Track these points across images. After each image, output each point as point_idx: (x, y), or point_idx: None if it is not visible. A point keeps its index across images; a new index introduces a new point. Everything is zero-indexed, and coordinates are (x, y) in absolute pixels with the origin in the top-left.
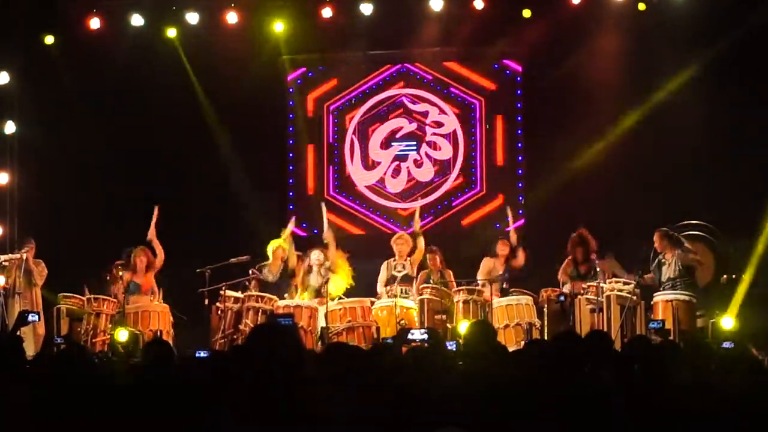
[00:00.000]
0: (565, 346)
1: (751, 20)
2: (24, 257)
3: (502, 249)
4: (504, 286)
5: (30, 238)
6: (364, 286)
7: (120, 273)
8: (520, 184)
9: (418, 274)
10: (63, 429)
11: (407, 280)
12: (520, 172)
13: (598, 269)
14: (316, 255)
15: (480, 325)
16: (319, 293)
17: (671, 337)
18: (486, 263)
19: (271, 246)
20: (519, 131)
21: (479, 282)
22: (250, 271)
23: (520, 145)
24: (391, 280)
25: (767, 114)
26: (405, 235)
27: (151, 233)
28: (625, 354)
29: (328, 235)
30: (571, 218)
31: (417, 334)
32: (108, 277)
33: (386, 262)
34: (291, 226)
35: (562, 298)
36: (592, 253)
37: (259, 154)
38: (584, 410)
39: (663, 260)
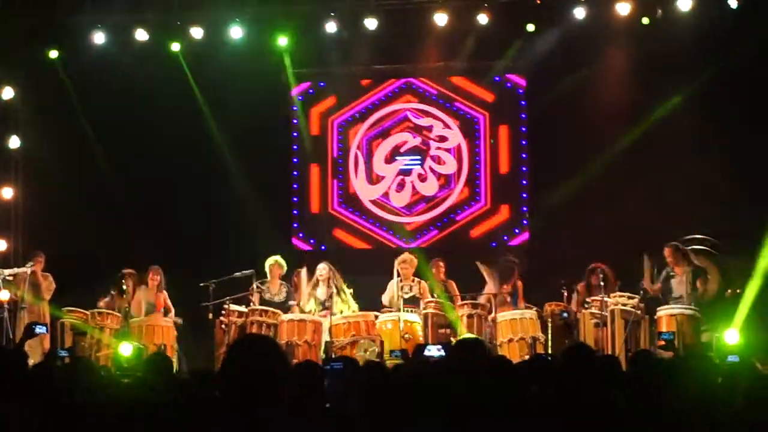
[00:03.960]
0: (578, 361)
1: (756, 36)
2: (30, 271)
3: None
4: (508, 300)
5: (39, 252)
6: (368, 300)
7: (126, 287)
8: (524, 195)
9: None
10: None
11: (413, 301)
12: (524, 182)
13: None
14: (321, 268)
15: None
16: (324, 306)
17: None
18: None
19: (268, 263)
20: (523, 142)
21: (482, 296)
22: (254, 285)
23: (524, 156)
24: (395, 300)
25: None
26: (409, 257)
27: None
28: (630, 371)
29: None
30: (575, 232)
31: (433, 350)
32: (114, 292)
33: (393, 281)
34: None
35: (565, 314)
36: (611, 291)
37: (263, 169)
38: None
39: (672, 274)
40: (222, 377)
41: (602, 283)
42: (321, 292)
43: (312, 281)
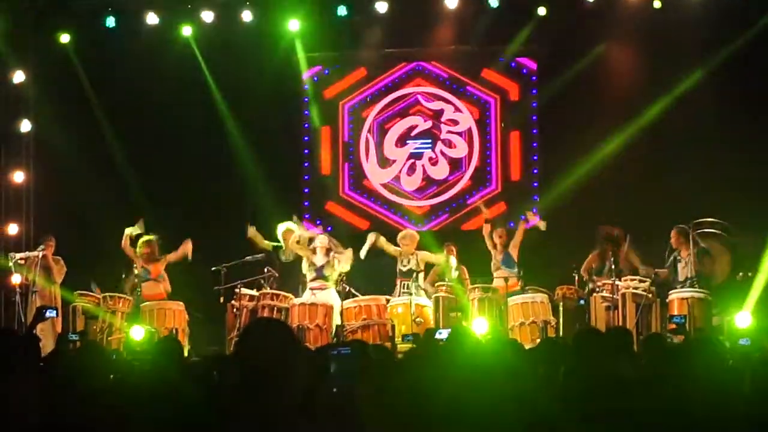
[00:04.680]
0: (587, 343)
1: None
2: (42, 254)
3: (499, 236)
4: (519, 282)
5: (50, 235)
6: (378, 282)
7: (135, 270)
8: (535, 184)
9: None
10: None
11: (409, 274)
12: (535, 171)
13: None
14: (321, 239)
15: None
16: (321, 274)
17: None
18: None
19: (279, 230)
20: (534, 118)
21: (496, 280)
22: (266, 269)
23: (535, 132)
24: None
25: None
26: (410, 233)
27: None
28: (640, 353)
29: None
30: (586, 217)
31: (445, 334)
32: (124, 276)
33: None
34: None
35: (582, 301)
36: (624, 253)
37: (275, 153)
38: (606, 407)
39: (679, 258)
40: (234, 360)
41: (613, 246)
42: (319, 259)
43: (310, 247)
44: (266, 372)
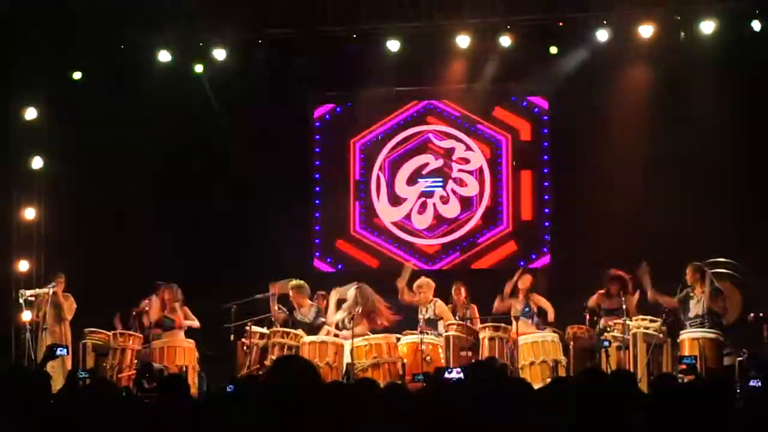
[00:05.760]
0: (591, 385)
1: None
2: (52, 291)
3: (523, 283)
4: (535, 321)
5: (60, 272)
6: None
7: (146, 308)
8: (546, 210)
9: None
10: None
11: (431, 323)
12: (546, 197)
13: (624, 307)
14: (352, 293)
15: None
16: (338, 327)
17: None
18: (513, 303)
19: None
20: (545, 157)
21: (506, 318)
22: (277, 307)
23: (546, 170)
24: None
25: None
26: (426, 281)
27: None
28: (652, 395)
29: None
30: (597, 255)
31: (453, 374)
32: (134, 312)
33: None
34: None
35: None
36: (626, 294)
37: (285, 190)
38: None
39: (692, 295)
40: (268, 390)
41: (621, 291)
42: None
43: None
44: (300, 404)
